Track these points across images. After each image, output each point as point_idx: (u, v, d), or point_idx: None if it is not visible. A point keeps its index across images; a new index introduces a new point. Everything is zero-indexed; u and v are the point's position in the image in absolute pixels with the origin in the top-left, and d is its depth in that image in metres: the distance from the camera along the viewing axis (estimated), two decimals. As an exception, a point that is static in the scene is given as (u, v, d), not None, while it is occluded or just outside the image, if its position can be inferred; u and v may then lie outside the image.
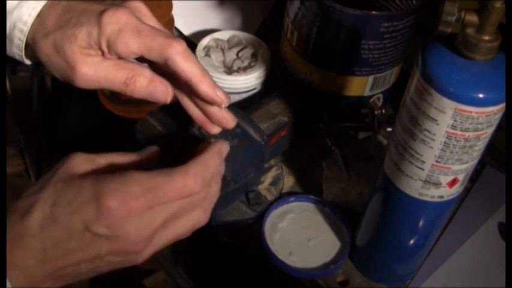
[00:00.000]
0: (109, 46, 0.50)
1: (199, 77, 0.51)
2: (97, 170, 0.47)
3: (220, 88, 0.53)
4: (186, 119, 0.64)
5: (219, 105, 0.54)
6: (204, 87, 0.52)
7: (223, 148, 0.51)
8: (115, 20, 0.50)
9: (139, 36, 0.50)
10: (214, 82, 0.53)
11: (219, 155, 0.50)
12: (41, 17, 0.53)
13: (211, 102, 0.54)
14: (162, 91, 0.52)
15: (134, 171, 0.45)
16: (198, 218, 0.49)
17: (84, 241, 0.44)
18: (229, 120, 0.56)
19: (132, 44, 0.50)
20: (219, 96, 0.52)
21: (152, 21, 0.54)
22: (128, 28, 0.50)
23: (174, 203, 0.46)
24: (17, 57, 0.56)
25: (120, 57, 0.52)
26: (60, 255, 0.44)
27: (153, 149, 0.51)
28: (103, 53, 0.51)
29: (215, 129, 0.58)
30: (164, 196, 0.45)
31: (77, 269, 0.45)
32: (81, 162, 0.47)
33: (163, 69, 0.53)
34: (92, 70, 0.51)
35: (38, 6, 0.53)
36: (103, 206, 0.43)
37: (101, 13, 0.50)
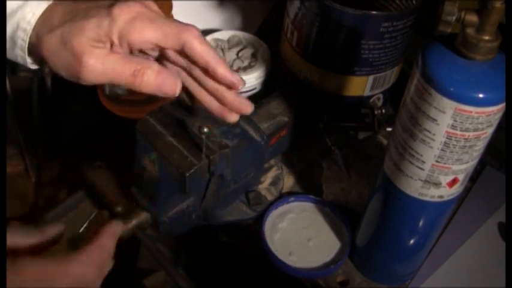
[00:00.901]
0: (121, 36, 0.50)
1: (216, 59, 0.52)
2: None
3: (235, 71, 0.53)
4: (186, 119, 0.64)
5: (236, 88, 0.54)
6: (222, 70, 0.52)
7: (117, 229, 0.53)
8: (127, 11, 0.50)
9: (153, 23, 0.50)
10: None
11: (113, 237, 0.52)
12: (45, 15, 0.52)
13: (228, 86, 0.54)
14: (170, 83, 0.51)
15: (28, 258, 0.46)
16: None
17: None
18: (247, 106, 0.56)
19: (147, 31, 0.50)
20: (236, 78, 0.53)
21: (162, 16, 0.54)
22: (142, 17, 0.50)
23: None
24: (20, 59, 0.55)
25: (130, 50, 0.52)
26: None
27: (58, 227, 0.53)
28: (112, 46, 0.51)
29: (234, 117, 0.57)
30: (59, 285, 0.47)
31: None
32: None
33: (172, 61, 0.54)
34: (100, 62, 0.50)
35: (42, 6, 0.52)
36: None
37: (111, 6, 0.50)
